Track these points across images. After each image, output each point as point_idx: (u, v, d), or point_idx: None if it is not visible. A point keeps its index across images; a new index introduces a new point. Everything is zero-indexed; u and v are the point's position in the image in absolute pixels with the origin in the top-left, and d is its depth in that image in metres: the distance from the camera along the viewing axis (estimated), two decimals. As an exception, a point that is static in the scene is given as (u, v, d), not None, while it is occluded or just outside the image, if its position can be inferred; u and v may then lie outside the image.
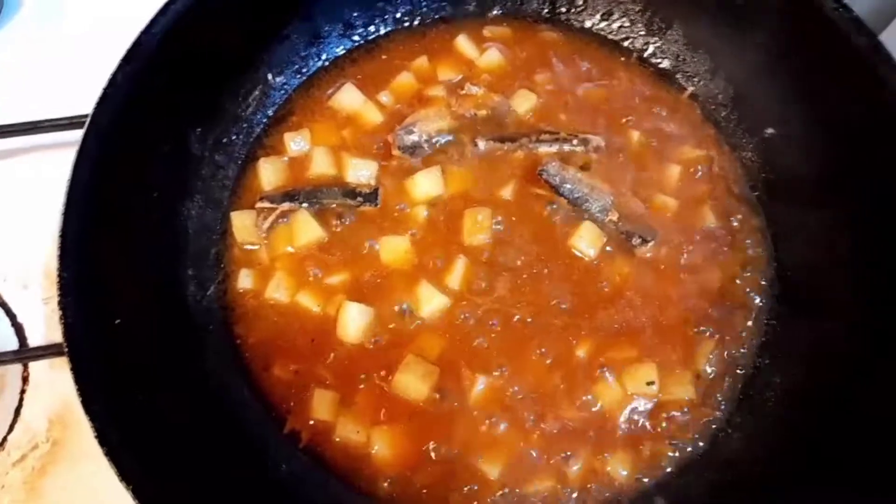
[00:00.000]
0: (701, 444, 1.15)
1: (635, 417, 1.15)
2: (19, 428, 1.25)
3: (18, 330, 1.31)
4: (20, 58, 1.59)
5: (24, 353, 1.25)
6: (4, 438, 1.25)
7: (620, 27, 1.43)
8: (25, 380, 1.29)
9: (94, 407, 0.89)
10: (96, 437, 0.87)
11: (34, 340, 1.29)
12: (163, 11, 1.10)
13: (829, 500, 1.01)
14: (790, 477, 1.07)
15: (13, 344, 1.29)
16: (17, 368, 1.29)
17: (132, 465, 0.88)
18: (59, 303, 0.92)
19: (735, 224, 1.28)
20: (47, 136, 1.36)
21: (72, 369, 0.89)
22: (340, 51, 1.41)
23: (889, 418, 1.00)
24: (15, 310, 1.33)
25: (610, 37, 1.44)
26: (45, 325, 1.31)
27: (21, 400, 1.28)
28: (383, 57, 1.41)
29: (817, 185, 1.23)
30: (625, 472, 1.12)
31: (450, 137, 1.31)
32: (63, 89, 1.43)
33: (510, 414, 1.14)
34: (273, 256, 1.23)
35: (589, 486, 1.11)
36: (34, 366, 1.29)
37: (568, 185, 1.26)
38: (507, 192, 1.28)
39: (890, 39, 1.33)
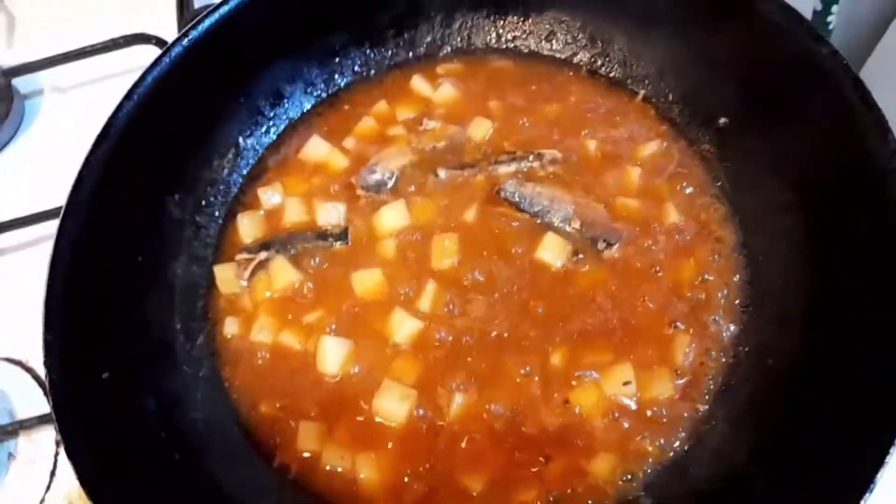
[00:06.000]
0: (685, 439, 1.13)
1: (616, 419, 1.14)
2: (54, 489, 1.35)
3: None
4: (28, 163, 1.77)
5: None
6: (42, 499, 1.36)
7: (565, 45, 1.49)
8: (58, 443, 1.39)
9: (81, 459, 0.96)
10: (83, 486, 0.94)
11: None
12: (128, 96, 1.22)
13: (816, 486, 0.97)
14: (777, 463, 1.04)
15: (45, 410, 1.40)
16: (50, 434, 1.40)
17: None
18: (44, 363, 1.01)
19: (700, 216, 1.29)
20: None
21: (56, 419, 0.97)
22: (305, 107, 1.51)
23: (865, 393, 0.97)
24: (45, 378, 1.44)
25: (557, 55, 1.49)
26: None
27: (55, 463, 1.38)
28: (346, 107, 1.50)
29: (774, 166, 1.22)
30: (609, 475, 1.11)
31: (412, 171, 1.37)
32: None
33: (490, 428, 1.15)
34: (255, 302, 1.30)
35: (573, 492, 1.11)
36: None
37: (527, 200, 1.30)
38: (470, 215, 1.32)
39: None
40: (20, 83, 1.82)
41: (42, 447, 1.39)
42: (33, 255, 1.62)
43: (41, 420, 1.35)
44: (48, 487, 1.36)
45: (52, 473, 1.38)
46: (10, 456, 1.39)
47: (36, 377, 1.47)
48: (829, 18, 1.73)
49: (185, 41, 1.29)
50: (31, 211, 1.55)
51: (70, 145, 1.79)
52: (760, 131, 1.25)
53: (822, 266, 1.11)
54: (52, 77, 1.85)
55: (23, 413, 1.40)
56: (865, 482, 0.88)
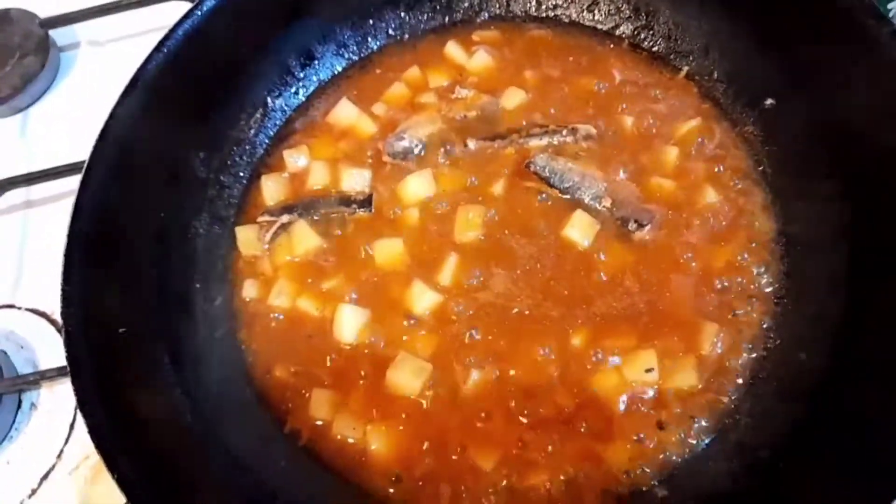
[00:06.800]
0: (707, 431, 1.10)
1: (635, 406, 1.11)
2: (73, 440, 1.37)
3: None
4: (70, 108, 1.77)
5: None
6: (61, 450, 1.38)
7: (608, 16, 1.43)
8: (78, 394, 1.42)
9: (92, 412, 0.97)
10: (93, 439, 0.95)
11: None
12: (157, 48, 1.20)
13: (842, 489, 0.93)
14: (803, 462, 1.00)
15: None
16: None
17: (132, 473, 0.95)
18: (61, 314, 1.01)
19: (738, 201, 1.24)
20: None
21: (70, 371, 0.98)
22: (335, 69, 1.48)
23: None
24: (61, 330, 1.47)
25: (599, 27, 1.43)
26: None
27: (75, 414, 1.40)
28: (377, 71, 1.47)
29: (820, 153, 1.17)
30: (623, 463, 1.08)
31: (441, 140, 1.34)
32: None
33: (504, 406, 1.13)
34: (275, 266, 1.29)
35: (586, 477, 1.08)
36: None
37: (557, 176, 1.26)
38: (497, 188, 1.29)
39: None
40: (57, 35, 1.82)
41: (63, 398, 1.41)
42: (64, 207, 1.63)
43: (62, 372, 1.36)
44: (67, 439, 1.38)
45: (72, 425, 1.40)
46: (32, 406, 1.41)
47: (59, 329, 1.48)
48: (890, 6, 1.64)
49: (217, -5, 1.27)
50: (63, 162, 1.54)
51: (104, 98, 1.79)
52: (809, 115, 1.19)
53: (864, 261, 1.06)
54: (89, 30, 1.84)
55: (45, 364, 1.42)
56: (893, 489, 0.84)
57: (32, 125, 1.78)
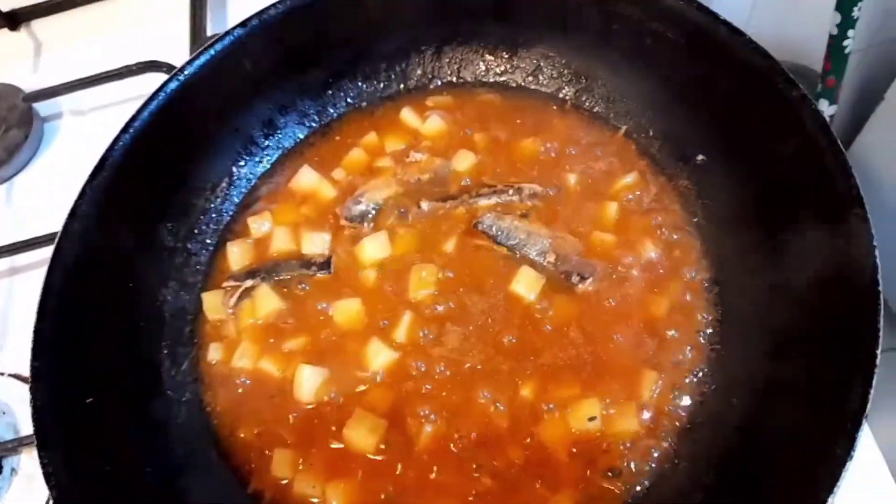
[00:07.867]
0: (648, 476, 1.13)
1: (580, 453, 1.16)
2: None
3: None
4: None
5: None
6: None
7: (551, 80, 1.51)
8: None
9: (58, 484, 1.01)
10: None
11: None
12: (124, 129, 1.28)
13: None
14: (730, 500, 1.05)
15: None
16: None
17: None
18: (30, 388, 1.07)
19: (674, 251, 1.30)
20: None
21: (37, 444, 1.03)
22: (298, 137, 1.55)
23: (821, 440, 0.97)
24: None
25: (543, 90, 1.52)
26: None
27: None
28: (337, 138, 1.55)
29: (747, 205, 1.23)
30: (571, 511, 1.13)
31: (396, 203, 1.41)
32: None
33: (456, 459, 1.17)
34: (239, 328, 1.35)
35: (535, 526, 1.13)
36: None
37: (504, 234, 1.32)
38: (449, 247, 1.35)
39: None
40: (40, 107, 1.91)
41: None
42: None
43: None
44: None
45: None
46: (13, 471, 1.44)
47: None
48: (846, 42, 1.72)
49: (181, 76, 1.36)
50: (47, 230, 1.61)
51: (86, 165, 1.89)
52: (735, 170, 1.25)
53: (789, 308, 1.11)
54: (71, 100, 1.92)
55: (27, 429, 1.47)
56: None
57: (17, 194, 1.85)
